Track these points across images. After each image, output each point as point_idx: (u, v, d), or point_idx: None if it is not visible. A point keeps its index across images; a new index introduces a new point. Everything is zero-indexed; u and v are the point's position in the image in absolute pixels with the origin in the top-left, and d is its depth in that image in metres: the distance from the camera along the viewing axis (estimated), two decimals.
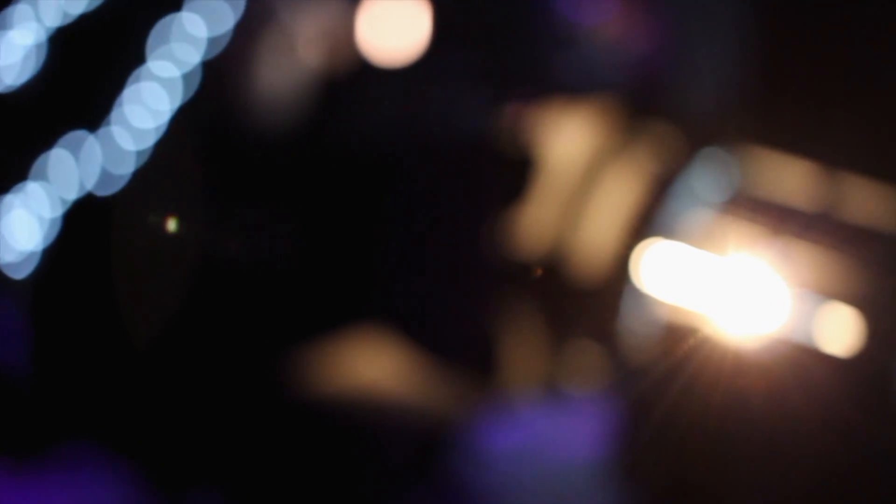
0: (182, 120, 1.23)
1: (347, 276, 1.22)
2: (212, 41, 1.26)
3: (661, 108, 1.18)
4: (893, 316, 1.02)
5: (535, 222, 1.17)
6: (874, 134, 1.08)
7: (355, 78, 1.24)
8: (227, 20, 1.26)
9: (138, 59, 1.23)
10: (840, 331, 1.02)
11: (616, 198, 1.14)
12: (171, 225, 1.20)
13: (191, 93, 1.24)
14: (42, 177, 1.22)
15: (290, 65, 1.24)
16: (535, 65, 1.21)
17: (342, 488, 1.12)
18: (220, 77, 1.25)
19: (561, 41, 1.20)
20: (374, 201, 1.22)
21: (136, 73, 1.22)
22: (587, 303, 1.14)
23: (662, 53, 1.19)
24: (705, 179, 1.11)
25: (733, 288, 1.06)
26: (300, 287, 1.22)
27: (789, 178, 1.09)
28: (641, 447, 1.09)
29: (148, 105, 1.22)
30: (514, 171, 1.19)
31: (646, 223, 1.11)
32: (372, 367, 1.20)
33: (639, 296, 1.10)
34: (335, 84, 1.24)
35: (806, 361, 1.03)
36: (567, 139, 1.18)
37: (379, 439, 1.15)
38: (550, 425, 1.15)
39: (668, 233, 1.10)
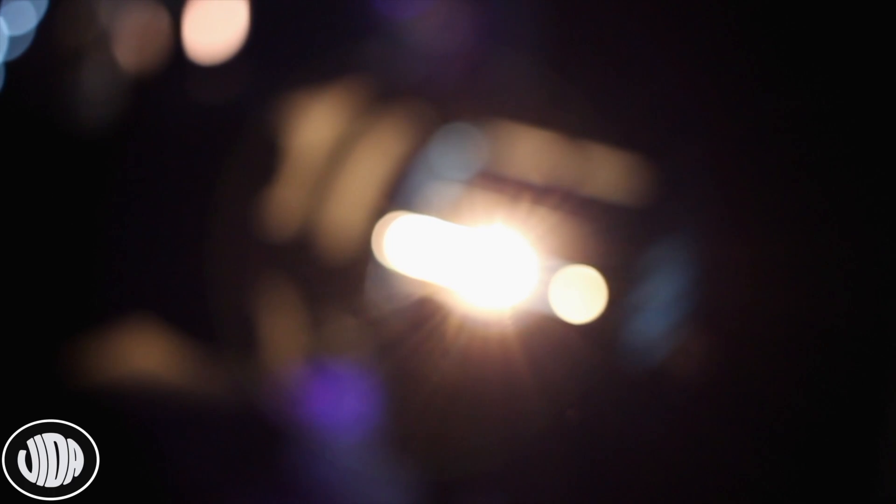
0: None
1: (111, 267, 1.24)
2: (14, 40, 1.29)
3: (409, 86, 1.22)
4: (633, 283, 1.11)
5: (287, 203, 1.20)
6: (617, 108, 1.15)
7: (167, 74, 1.26)
8: (32, 18, 1.28)
9: None
10: (584, 298, 1.10)
11: (363, 176, 1.19)
12: None
13: None
14: None
15: (100, 62, 1.27)
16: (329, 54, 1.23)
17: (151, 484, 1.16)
18: (21, 76, 1.27)
19: (369, 34, 1.23)
20: (144, 190, 1.25)
21: None
22: (339, 279, 1.18)
23: (423, 36, 1.23)
24: (452, 155, 1.17)
25: (480, 260, 1.12)
26: (71, 280, 1.26)
27: (534, 151, 1.15)
28: (404, 419, 1.16)
29: None
30: (266, 154, 1.21)
31: (393, 199, 1.16)
32: (142, 356, 1.23)
33: (387, 270, 1.14)
34: (145, 81, 1.26)
35: (552, 329, 1.10)
36: (317, 120, 1.21)
37: (171, 430, 1.19)
38: (321, 400, 1.20)
39: (415, 208, 1.15)
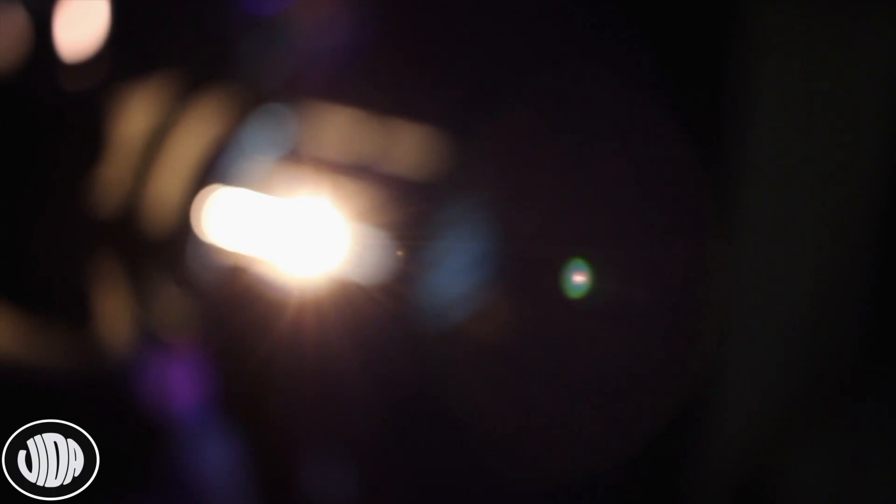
0: None
1: None
2: None
3: (228, 69, 1.23)
4: (435, 250, 1.15)
5: (112, 182, 1.21)
6: (419, 87, 1.19)
7: (30, 68, 1.24)
8: None
9: None
10: (390, 265, 1.14)
11: (183, 155, 1.21)
12: None
13: None
14: None
15: None
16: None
17: None
18: None
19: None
20: None
21: None
22: (162, 254, 1.19)
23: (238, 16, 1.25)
24: (267, 133, 1.19)
25: (294, 233, 1.15)
26: None
27: (343, 129, 1.19)
28: (230, 389, 1.19)
29: None
30: (92, 136, 1.22)
31: (210, 177, 1.18)
32: None
33: (206, 243, 1.17)
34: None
35: (363, 295, 1.13)
36: (140, 103, 1.22)
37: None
38: (155, 372, 1.23)
39: (231, 183, 1.17)
